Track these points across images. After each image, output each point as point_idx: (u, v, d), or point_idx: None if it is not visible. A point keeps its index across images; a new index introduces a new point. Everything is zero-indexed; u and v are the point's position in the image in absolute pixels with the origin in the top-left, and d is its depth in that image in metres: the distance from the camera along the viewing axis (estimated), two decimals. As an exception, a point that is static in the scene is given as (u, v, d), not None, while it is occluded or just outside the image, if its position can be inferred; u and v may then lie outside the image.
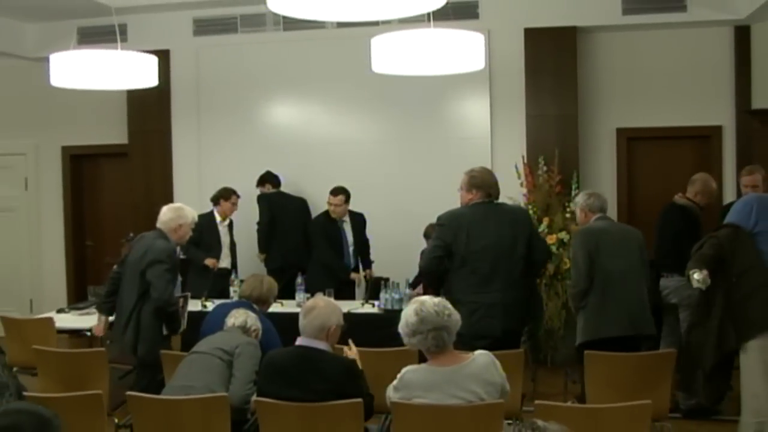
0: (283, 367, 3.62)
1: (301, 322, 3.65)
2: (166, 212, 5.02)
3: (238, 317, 4.31)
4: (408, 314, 3.31)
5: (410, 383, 3.34)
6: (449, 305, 3.36)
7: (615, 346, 4.57)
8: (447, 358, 3.31)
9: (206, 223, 6.88)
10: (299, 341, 3.67)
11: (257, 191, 7.56)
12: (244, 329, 4.26)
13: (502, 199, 4.93)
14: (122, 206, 8.50)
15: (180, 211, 5.03)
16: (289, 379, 3.56)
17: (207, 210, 7.11)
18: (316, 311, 3.64)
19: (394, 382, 3.40)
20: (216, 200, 7.18)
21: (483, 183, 4.70)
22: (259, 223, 7.43)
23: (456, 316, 3.34)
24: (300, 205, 7.57)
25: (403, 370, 3.38)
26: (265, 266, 7.25)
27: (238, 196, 7.22)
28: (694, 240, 5.06)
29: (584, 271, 4.81)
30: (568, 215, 6.90)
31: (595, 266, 4.79)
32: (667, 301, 5.58)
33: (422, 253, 4.92)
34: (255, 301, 4.71)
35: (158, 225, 4.99)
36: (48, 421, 2.24)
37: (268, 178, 7.55)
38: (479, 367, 3.31)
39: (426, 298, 3.39)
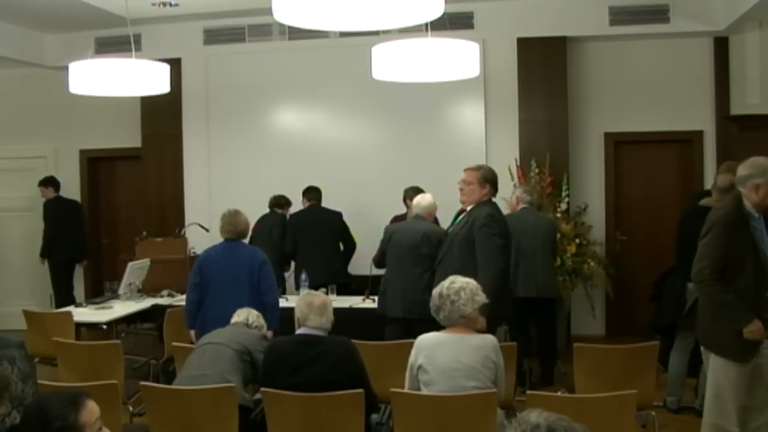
0: (286, 355, 3.63)
1: (315, 319, 3.66)
2: (425, 199, 5.60)
3: (240, 315, 4.33)
4: (434, 296, 3.58)
5: (421, 344, 3.55)
6: (481, 292, 3.55)
7: (528, 304, 5.77)
8: (459, 330, 3.52)
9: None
10: (300, 330, 3.69)
11: (263, 191, 7.49)
12: (247, 325, 4.27)
13: (496, 199, 4.95)
14: (136, 206, 8.50)
15: (433, 200, 5.63)
16: (293, 367, 3.57)
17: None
18: (329, 309, 3.71)
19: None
20: (279, 206, 7.17)
21: (493, 178, 4.79)
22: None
23: (479, 300, 3.54)
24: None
25: (418, 338, 3.62)
26: None
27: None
28: None
29: None
30: (558, 215, 6.90)
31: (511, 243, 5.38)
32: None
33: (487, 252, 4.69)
34: (238, 236, 5.10)
35: (418, 212, 5.53)
36: (75, 394, 2.26)
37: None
38: (483, 343, 3.49)
39: (460, 278, 3.60)
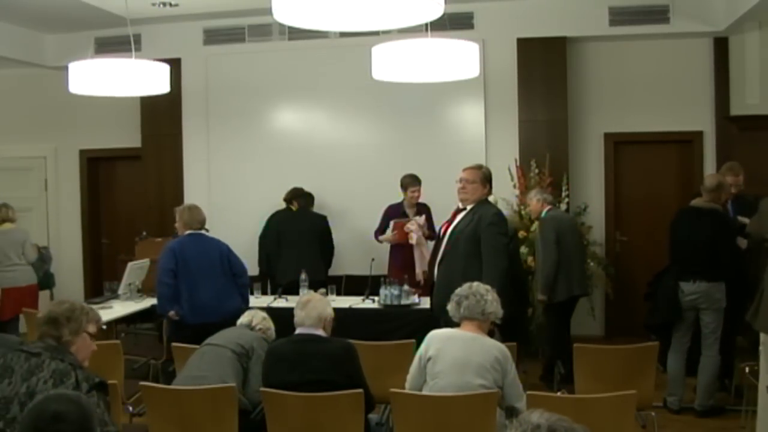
0: (285, 354, 3.66)
1: (299, 314, 3.71)
2: None
3: (245, 317, 4.36)
4: (463, 287, 3.70)
5: (433, 338, 3.60)
6: (493, 293, 3.68)
7: (572, 302, 5.97)
8: (473, 328, 3.58)
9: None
10: (298, 331, 3.71)
11: (263, 191, 7.50)
12: (249, 327, 4.27)
13: (498, 201, 4.99)
14: (136, 206, 8.49)
15: None
16: (291, 364, 3.59)
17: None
18: (312, 303, 3.74)
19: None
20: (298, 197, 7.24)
21: (491, 178, 4.92)
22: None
23: (495, 304, 3.64)
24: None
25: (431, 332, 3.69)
26: None
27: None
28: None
29: (555, 247, 5.80)
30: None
31: (561, 243, 5.82)
32: (696, 305, 5.18)
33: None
34: (201, 227, 5.44)
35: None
36: (88, 411, 2.24)
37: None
38: (494, 345, 3.54)
39: (477, 283, 3.73)
